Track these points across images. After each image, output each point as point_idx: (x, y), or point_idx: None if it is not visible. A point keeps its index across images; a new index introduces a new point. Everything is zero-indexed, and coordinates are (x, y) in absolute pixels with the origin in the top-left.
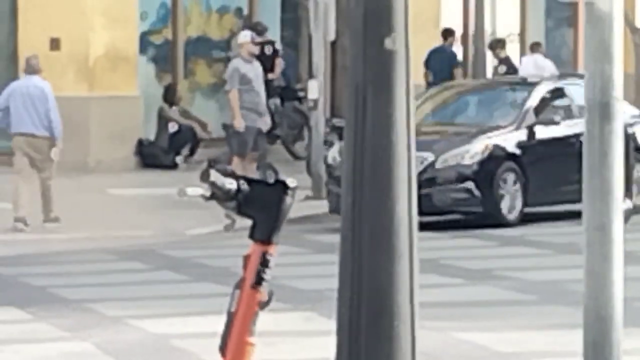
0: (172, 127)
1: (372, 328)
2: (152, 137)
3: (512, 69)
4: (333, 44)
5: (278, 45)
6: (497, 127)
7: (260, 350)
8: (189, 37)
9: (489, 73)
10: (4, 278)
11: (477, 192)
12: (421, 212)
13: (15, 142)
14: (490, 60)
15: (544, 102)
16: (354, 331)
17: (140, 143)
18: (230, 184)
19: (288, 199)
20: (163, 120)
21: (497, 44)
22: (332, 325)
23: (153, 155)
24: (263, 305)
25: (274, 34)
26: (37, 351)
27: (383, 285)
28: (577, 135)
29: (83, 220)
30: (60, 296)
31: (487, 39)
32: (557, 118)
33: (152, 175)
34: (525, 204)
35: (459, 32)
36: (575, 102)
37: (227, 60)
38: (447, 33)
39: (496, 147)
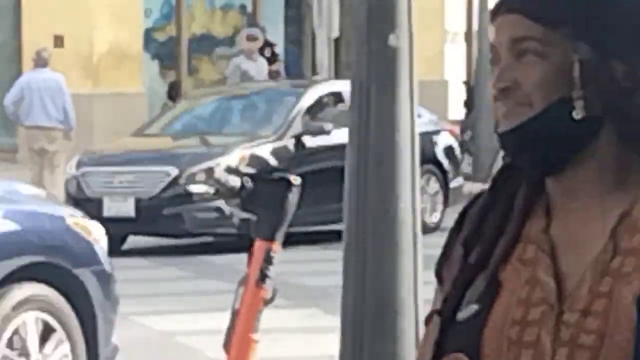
0: None
1: (376, 324)
2: None
3: None
4: (336, 41)
5: (279, 49)
6: (258, 137)
7: (264, 347)
8: (193, 34)
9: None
10: None
11: (228, 212)
12: (171, 235)
13: (29, 136)
14: None
15: (315, 108)
16: (358, 328)
17: None
18: (234, 181)
19: (292, 196)
20: None
21: None
22: (336, 322)
23: None
24: (267, 302)
25: (278, 31)
26: None
27: (387, 281)
28: None
29: None
30: None
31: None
32: (327, 126)
33: None
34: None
35: (462, 31)
36: None
37: (232, 57)
38: None
39: (254, 159)
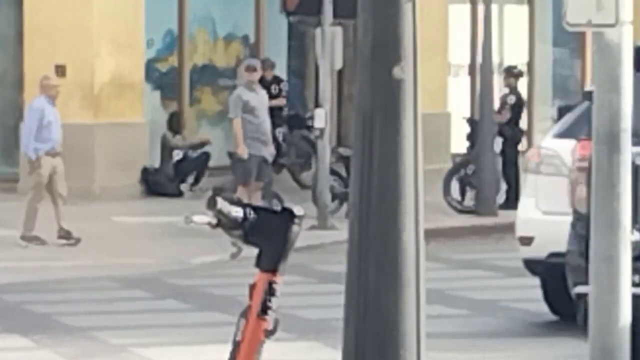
0: (177, 155)
1: (378, 358)
2: (157, 165)
3: (520, 100)
4: (339, 72)
5: (284, 85)
6: None
7: None
8: (195, 64)
9: (496, 104)
10: (8, 305)
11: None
12: None
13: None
14: (498, 91)
15: None
16: None
17: (145, 170)
18: (237, 212)
19: (295, 228)
20: (167, 148)
21: (511, 72)
22: (337, 355)
23: (158, 183)
24: (269, 334)
25: (280, 62)
26: None
27: (389, 315)
28: None
29: (87, 248)
30: (64, 324)
31: (495, 70)
32: None
33: (157, 203)
34: None
35: (466, 63)
36: None
37: (234, 88)
38: None
39: None
